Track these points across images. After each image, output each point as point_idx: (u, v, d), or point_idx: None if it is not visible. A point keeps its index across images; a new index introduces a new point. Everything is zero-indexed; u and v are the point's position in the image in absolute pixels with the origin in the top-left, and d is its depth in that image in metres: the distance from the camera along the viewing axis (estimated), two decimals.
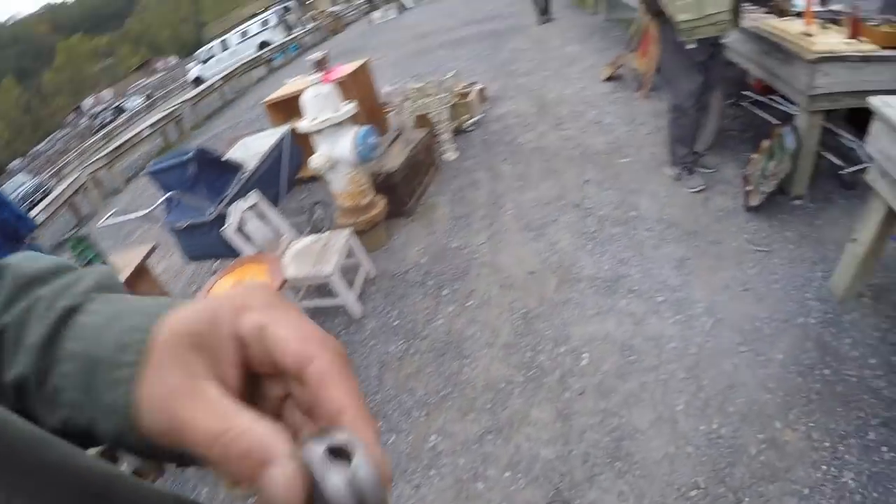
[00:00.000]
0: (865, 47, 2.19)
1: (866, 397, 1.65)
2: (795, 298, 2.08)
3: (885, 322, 1.91)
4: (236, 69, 12.72)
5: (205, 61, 19.04)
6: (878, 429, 1.56)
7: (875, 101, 1.64)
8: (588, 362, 2.02)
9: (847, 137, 2.92)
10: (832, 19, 2.49)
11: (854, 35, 2.23)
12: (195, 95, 11.27)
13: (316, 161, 2.81)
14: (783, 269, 2.24)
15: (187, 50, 37.12)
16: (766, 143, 2.61)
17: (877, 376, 1.72)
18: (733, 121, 3.63)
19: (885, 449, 1.50)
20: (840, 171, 2.71)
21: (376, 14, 16.74)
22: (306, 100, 2.79)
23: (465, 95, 4.51)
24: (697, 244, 2.45)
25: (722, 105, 3.14)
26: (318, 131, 2.76)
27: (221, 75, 12.25)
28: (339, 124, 2.74)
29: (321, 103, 2.76)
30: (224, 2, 42.77)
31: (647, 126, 3.73)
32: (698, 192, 2.81)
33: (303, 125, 2.82)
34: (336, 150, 2.80)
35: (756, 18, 2.72)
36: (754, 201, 2.57)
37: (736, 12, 2.37)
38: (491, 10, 11.11)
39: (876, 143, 1.66)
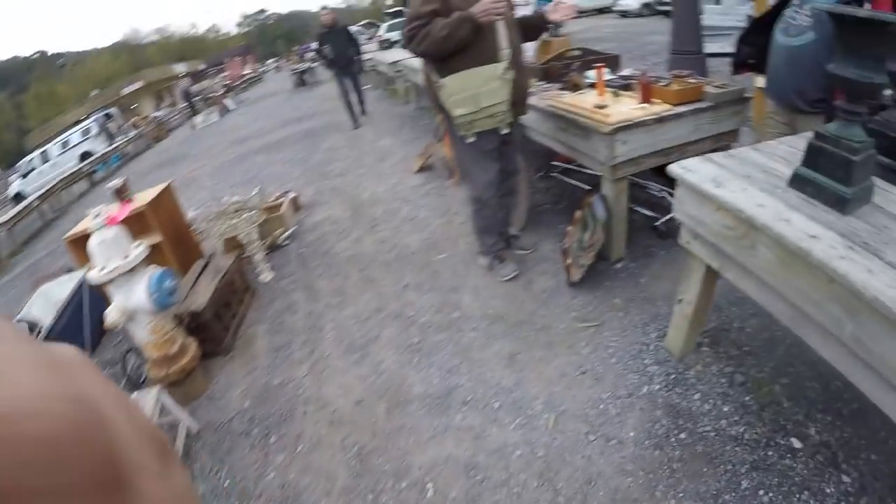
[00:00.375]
0: (658, 108, 2.37)
1: (729, 447, 1.65)
2: (635, 368, 2.04)
3: (728, 364, 1.95)
4: (56, 185, 11.52)
5: (25, 175, 17.20)
6: (749, 475, 1.55)
7: (675, 169, 1.67)
8: (434, 493, 1.77)
9: (655, 188, 3.14)
10: (623, 86, 2.69)
11: (646, 99, 2.40)
12: (11, 218, 9.66)
13: (111, 316, 2.37)
14: (617, 341, 2.21)
15: (9, 160, 32.99)
16: (578, 214, 2.67)
17: (734, 422, 1.73)
18: (545, 193, 3.74)
19: (762, 493, 1.50)
20: (654, 224, 2.88)
21: (198, 118, 16.20)
22: (92, 247, 2.36)
23: (276, 208, 4.24)
24: (526, 335, 2.37)
25: (528, 184, 3.22)
26: (109, 281, 2.29)
27: (38, 193, 11.02)
28: (131, 271, 2.34)
29: (108, 250, 2.34)
30: (47, 107, 40.04)
31: (461, 215, 3.73)
32: (511, 279, 2.76)
33: (91, 276, 2.37)
34: (131, 300, 2.38)
35: (551, 96, 2.86)
36: (575, 276, 2.55)
37: (521, 102, 2.41)
38: (309, 108, 11.18)
39: (682, 207, 1.71)
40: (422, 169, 4.85)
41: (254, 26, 68.63)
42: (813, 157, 1.39)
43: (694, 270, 1.81)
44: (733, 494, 1.51)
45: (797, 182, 1.44)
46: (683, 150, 2.44)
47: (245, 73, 27.60)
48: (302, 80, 17.05)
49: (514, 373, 2.15)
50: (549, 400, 1.99)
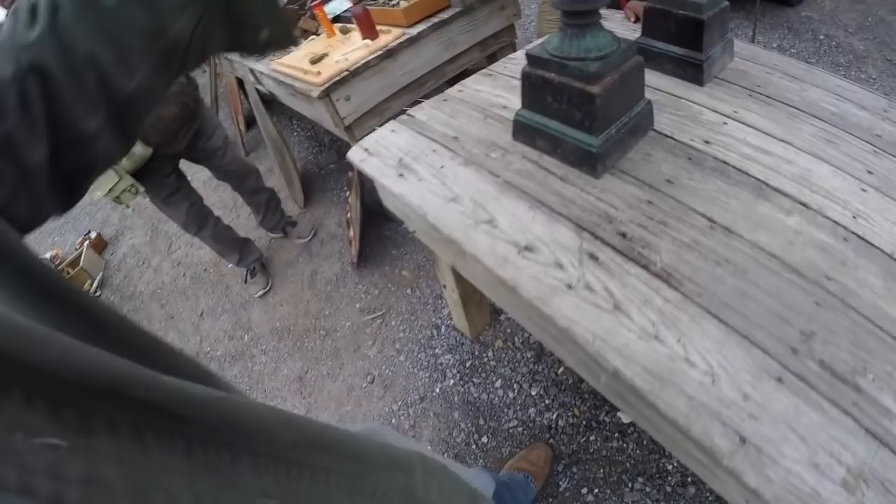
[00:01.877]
0: (386, 39, 1.78)
1: (547, 435, 1.49)
2: (425, 363, 1.83)
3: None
4: None
5: None
6: (567, 473, 1.40)
7: (353, 157, 1.06)
8: None
9: None
10: (349, 21, 2.00)
11: (369, 33, 1.74)
12: None
13: None
14: (405, 330, 1.98)
15: None
16: (350, 175, 2.22)
17: (545, 408, 1.55)
18: (331, 152, 3.24)
19: (584, 490, 1.36)
20: None
21: None
22: None
23: (75, 262, 3.52)
24: (312, 346, 2.13)
25: (291, 157, 2.76)
26: None
27: None
28: None
29: None
30: None
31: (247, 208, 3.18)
32: (266, 292, 2.50)
33: None
34: None
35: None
36: (356, 251, 2.25)
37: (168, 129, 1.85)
38: None
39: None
40: None
41: None
42: (536, 90, 0.95)
43: (438, 259, 1.45)
44: (551, 501, 1.36)
45: (520, 132, 1.02)
46: (442, 73, 1.98)
47: None
48: None
49: (304, 398, 1.96)
50: (341, 421, 1.80)
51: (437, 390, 1.72)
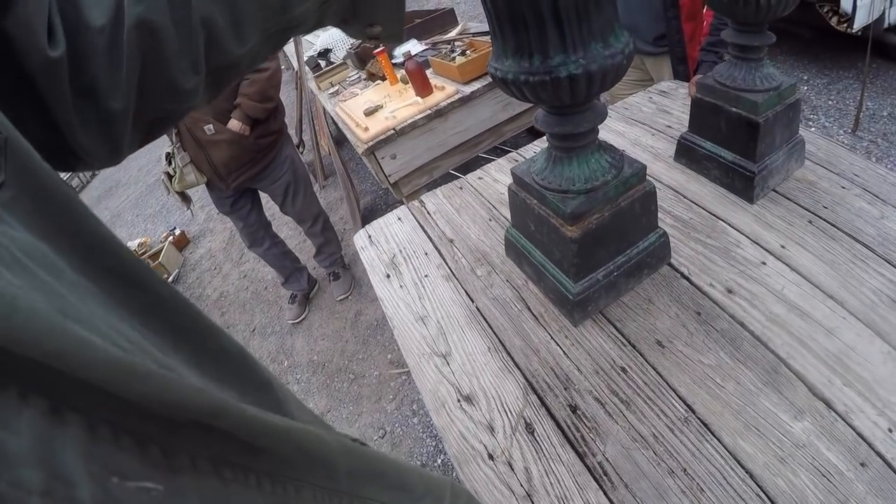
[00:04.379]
0: (438, 97, 1.77)
1: None
2: (435, 432, 1.87)
3: None
4: None
5: None
6: None
7: (357, 241, 1.10)
8: None
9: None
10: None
11: (422, 90, 1.74)
12: None
13: None
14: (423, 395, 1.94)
15: None
16: None
17: None
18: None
19: None
20: None
21: None
22: None
23: (156, 255, 3.98)
24: (339, 387, 2.26)
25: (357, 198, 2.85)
26: None
27: None
28: None
29: None
30: None
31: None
32: (301, 321, 2.71)
33: None
34: None
35: (347, 94, 2.24)
36: None
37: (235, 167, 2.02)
38: None
39: None
40: None
41: None
42: (520, 212, 1.01)
43: None
44: None
45: (511, 251, 0.98)
46: (500, 133, 1.92)
47: None
48: None
49: None
50: None
51: (440, 461, 1.74)
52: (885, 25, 2.68)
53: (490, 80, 1.74)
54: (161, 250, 3.99)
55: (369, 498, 0.31)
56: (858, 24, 2.55)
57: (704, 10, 1.47)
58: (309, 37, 3.80)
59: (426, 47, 2.19)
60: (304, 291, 2.75)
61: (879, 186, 0.98)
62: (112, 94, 0.31)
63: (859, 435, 0.65)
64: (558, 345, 0.81)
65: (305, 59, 2.99)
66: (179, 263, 4.07)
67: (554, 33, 0.58)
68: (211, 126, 1.83)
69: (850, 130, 2.60)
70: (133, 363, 0.19)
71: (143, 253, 3.72)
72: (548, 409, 0.73)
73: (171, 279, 3.86)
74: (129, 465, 0.17)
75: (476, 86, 1.76)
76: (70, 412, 0.16)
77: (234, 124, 1.83)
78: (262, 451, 0.23)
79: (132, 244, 3.91)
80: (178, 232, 4.30)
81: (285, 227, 3.47)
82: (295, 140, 4.29)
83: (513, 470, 0.68)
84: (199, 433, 0.20)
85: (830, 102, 2.86)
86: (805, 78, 3.13)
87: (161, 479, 0.18)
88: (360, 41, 2.46)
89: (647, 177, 0.80)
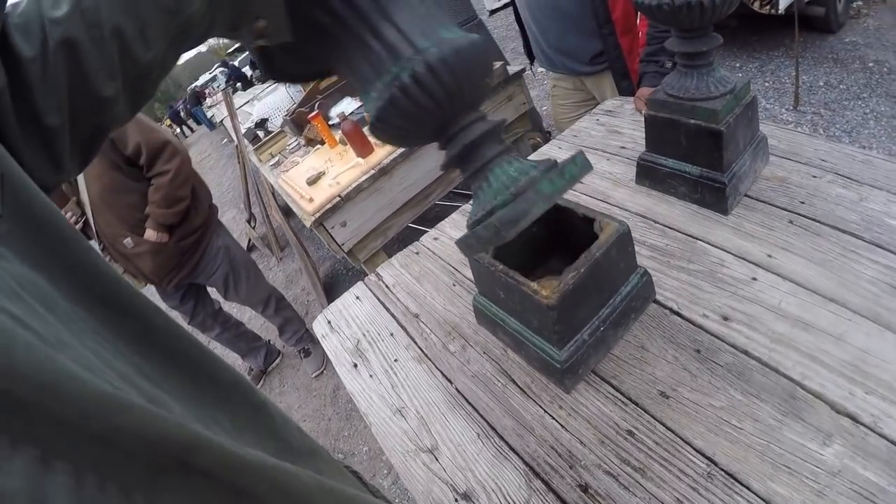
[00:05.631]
0: (381, 154, 1.69)
1: None
2: None
3: None
4: None
5: None
6: None
7: (317, 329, 1.04)
8: None
9: None
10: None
11: (362, 151, 1.70)
12: None
13: None
14: None
15: None
16: None
17: None
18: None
19: None
20: None
21: None
22: None
23: None
24: (321, 469, 1.99)
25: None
26: None
27: None
28: None
29: None
30: None
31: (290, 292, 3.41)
32: (318, 374, 2.62)
33: None
34: None
35: (289, 164, 2.20)
36: None
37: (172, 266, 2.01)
38: None
39: None
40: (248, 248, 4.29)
41: None
42: (485, 278, 0.93)
43: None
44: None
45: (482, 319, 0.91)
46: (449, 180, 1.94)
47: None
48: None
49: None
50: None
51: None
52: None
53: None
54: None
55: None
56: (784, 4, 2.66)
57: (638, 21, 1.47)
58: (246, 107, 3.84)
59: (361, 104, 2.18)
60: (260, 368, 2.72)
61: (850, 167, 0.95)
62: (49, 112, 0.35)
63: (893, 443, 0.59)
64: (553, 418, 0.74)
65: (243, 131, 2.97)
66: None
67: None
68: (129, 240, 1.81)
69: (791, 107, 2.67)
70: (118, 397, 0.21)
71: None
72: (556, 494, 0.66)
73: None
74: None
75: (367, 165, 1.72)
76: (57, 460, 0.18)
77: (150, 234, 1.81)
78: (241, 493, 0.25)
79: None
80: None
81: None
82: (245, 215, 4.25)
83: None
84: (180, 478, 0.22)
85: (767, 84, 2.95)
86: (737, 65, 3.24)
87: None
88: (294, 108, 2.47)
89: (614, 218, 0.75)
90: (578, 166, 0.52)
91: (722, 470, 0.62)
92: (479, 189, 0.55)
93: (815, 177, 0.96)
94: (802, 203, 0.92)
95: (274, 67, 0.55)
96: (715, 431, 0.66)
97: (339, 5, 0.47)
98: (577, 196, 1.11)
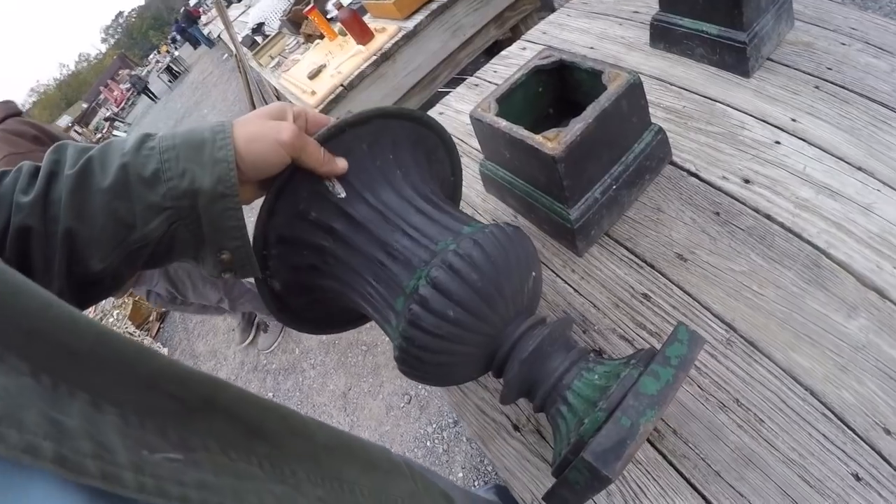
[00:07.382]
0: (380, 40, 1.64)
1: None
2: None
3: None
4: None
5: None
6: None
7: None
8: None
9: None
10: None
11: (362, 38, 1.58)
12: None
13: None
14: None
15: None
16: None
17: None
18: None
19: None
20: None
21: None
22: None
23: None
24: (354, 361, 2.31)
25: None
26: None
27: None
28: None
29: None
30: None
31: None
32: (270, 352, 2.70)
33: None
34: None
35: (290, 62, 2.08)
36: None
37: None
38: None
39: None
40: None
41: (119, 33, 67.92)
42: (490, 141, 0.92)
43: None
44: None
45: (490, 185, 0.89)
46: (455, 63, 1.82)
47: (123, 88, 26.65)
48: (173, 75, 16.11)
49: (348, 415, 2.14)
50: (380, 441, 1.92)
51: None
52: None
53: (433, 7, 1.61)
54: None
55: (353, 482, 0.35)
56: None
57: None
58: (241, 18, 3.88)
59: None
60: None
61: (882, 38, 0.89)
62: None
63: None
64: (566, 281, 0.70)
65: (241, 39, 2.91)
66: None
67: None
68: None
69: None
70: (153, 350, 0.25)
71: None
72: None
73: None
74: (155, 442, 0.23)
75: (418, 18, 1.62)
76: (107, 404, 0.22)
77: None
78: (254, 430, 0.28)
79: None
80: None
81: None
82: None
83: (543, 438, 0.59)
84: (205, 415, 0.26)
85: None
86: None
87: (180, 453, 0.23)
88: (290, 7, 2.42)
89: (623, 68, 0.67)
90: (685, 344, 0.40)
91: (742, 337, 0.60)
92: (558, 417, 0.43)
93: (843, 44, 0.89)
94: (830, 69, 0.86)
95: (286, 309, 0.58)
96: (735, 297, 0.63)
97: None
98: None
